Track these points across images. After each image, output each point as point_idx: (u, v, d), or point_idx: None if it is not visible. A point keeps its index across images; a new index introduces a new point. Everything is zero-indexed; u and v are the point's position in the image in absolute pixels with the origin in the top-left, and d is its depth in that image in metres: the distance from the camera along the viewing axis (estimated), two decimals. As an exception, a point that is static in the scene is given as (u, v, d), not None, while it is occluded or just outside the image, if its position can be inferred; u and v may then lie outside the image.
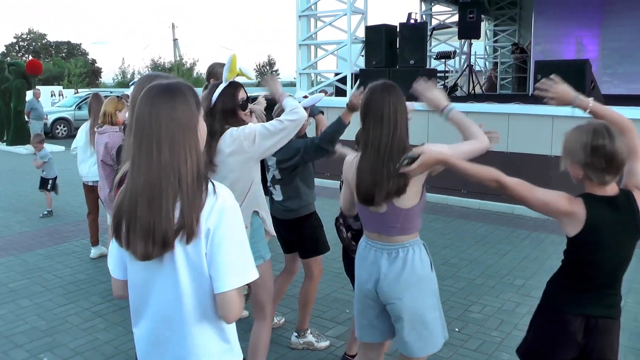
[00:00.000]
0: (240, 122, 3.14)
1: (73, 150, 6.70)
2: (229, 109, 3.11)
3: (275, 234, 3.42)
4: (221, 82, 3.18)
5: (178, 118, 1.70)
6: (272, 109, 3.92)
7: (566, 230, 2.33)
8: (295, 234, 3.98)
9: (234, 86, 3.16)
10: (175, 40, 59.30)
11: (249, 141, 3.00)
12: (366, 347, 2.93)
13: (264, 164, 4.51)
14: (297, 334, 4.16)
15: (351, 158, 2.77)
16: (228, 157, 3.03)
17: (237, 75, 3.19)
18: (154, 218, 1.68)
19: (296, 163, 3.69)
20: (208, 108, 3.04)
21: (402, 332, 2.64)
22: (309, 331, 4.16)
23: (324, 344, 4.14)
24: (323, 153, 3.53)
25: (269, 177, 3.93)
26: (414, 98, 2.88)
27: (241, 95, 3.17)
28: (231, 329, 1.89)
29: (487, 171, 2.37)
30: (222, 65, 4.77)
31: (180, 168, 1.69)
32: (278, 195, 3.91)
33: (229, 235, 1.72)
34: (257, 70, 67.79)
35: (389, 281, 2.61)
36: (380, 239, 2.66)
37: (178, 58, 59.77)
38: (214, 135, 3.01)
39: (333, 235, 3.81)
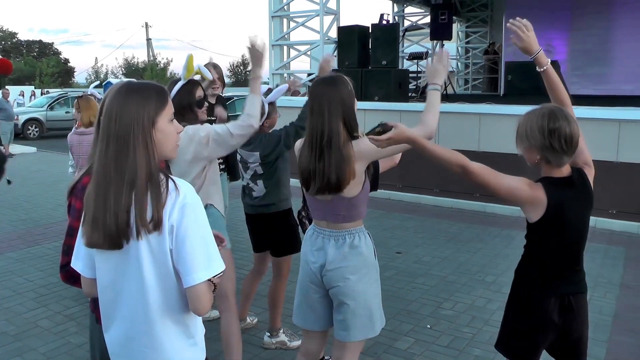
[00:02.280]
0: (197, 119, 3.27)
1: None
2: (185, 104, 3.22)
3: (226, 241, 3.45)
4: (178, 79, 3.30)
5: (129, 114, 1.73)
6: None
7: (528, 215, 2.37)
8: (273, 229, 3.99)
9: (191, 84, 3.28)
10: (148, 40, 58.71)
11: (203, 145, 3.12)
12: (306, 337, 2.98)
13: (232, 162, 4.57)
14: (269, 334, 4.16)
15: (299, 144, 2.84)
16: (184, 154, 3.10)
17: (196, 74, 3.31)
18: (103, 210, 1.72)
19: (280, 151, 3.76)
20: None
21: (345, 314, 2.68)
22: (281, 330, 4.17)
23: (297, 343, 4.15)
24: (303, 132, 3.56)
25: (247, 175, 3.93)
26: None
27: (198, 92, 3.30)
28: (195, 325, 1.92)
29: (453, 155, 2.37)
30: (214, 63, 4.85)
31: (130, 164, 1.72)
32: (259, 191, 3.91)
33: (192, 230, 1.75)
34: (230, 71, 67.42)
35: (335, 264, 2.67)
36: (328, 226, 2.73)
37: (152, 58, 59.22)
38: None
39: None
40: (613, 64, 15.68)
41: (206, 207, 3.22)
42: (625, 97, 12.41)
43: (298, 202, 3.64)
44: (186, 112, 3.20)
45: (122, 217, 1.70)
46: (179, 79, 3.31)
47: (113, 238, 1.72)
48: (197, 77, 3.40)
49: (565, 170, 2.36)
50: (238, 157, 4.00)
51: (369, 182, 2.73)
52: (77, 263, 1.96)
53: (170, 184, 1.77)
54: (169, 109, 1.83)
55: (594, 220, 7.59)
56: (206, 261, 1.77)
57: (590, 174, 2.47)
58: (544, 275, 2.41)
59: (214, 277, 1.80)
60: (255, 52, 3.22)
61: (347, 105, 2.62)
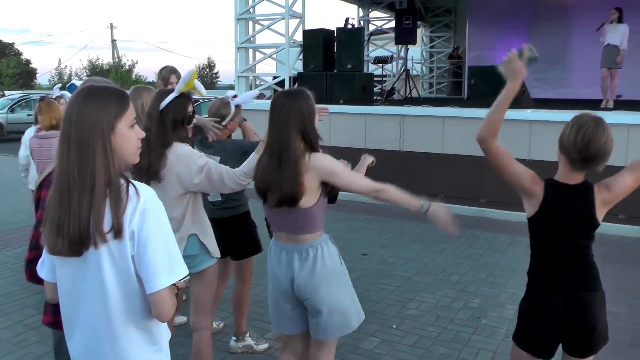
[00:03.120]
0: (186, 136, 3.15)
1: (23, 159, 6.01)
2: (179, 119, 3.09)
3: (219, 255, 3.36)
4: (170, 90, 3.15)
5: (88, 118, 1.71)
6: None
7: (526, 209, 2.52)
8: (232, 233, 3.96)
9: (185, 98, 3.14)
10: (113, 41, 57.71)
11: (196, 172, 3.00)
12: (288, 339, 3.00)
13: None
14: (235, 338, 4.14)
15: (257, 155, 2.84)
16: (177, 175, 3.02)
17: (191, 89, 3.18)
18: (62, 215, 1.70)
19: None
20: (157, 115, 3.03)
21: (320, 320, 2.74)
22: (247, 334, 4.15)
23: (263, 346, 4.14)
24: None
25: None
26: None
27: (190, 108, 3.17)
28: (160, 331, 1.90)
29: (483, 126, 2.55)
30: (172, 68, 4.76)
31: (89, 168, 1.69)
32: (216, 196, 3.89)
33: (153, 236, 1.74)
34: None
35: (303, 279, 2.71)
36: (289, 240, 2.76)
37: (117, 59, 58.25)
38: (165, 145, 3.02)
39: (264, 236, 3.81)
40: (572, 68, 16.08)
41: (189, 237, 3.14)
42: (584, 100, 12.71)
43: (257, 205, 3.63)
44: (178, 127, 3.08)
45: (85, 224, 1.68)
46: (169, 90, 3.16)
47: (76, 245, 1.70)
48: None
49: (574, 179, 2.47)
50: None
51: (326, 196, 2.77)
52: (42, 269, 1.95)
53: (131, 188, 1.74)
54: (130, 113, 1.81)
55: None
56: (169, 267, 1.75)
57: (603, 195, 2.48)
58: (546, 273, 2.53)
59: (180, 280, 1.80)
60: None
61: (306, 119, 2.65)
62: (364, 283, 5.45)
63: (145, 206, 1.74)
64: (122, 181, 1.75)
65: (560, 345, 2.59)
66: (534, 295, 2.58)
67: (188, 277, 1.94)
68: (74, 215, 1.68)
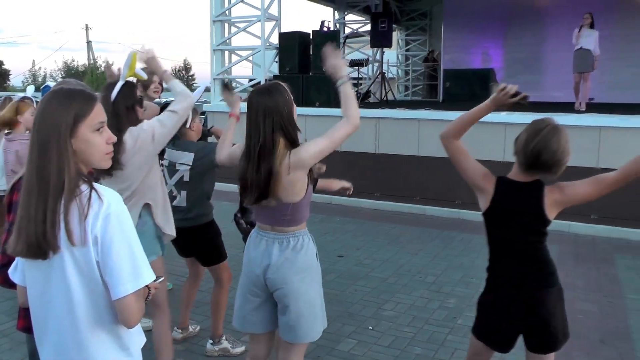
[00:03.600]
0: (138, 119, 3.26)
1: None
2: (129, 106, 3.21)
3: (175, 235, 3.45)
4: (115, 81, 3.25)
5: (48, 121, 1.70)
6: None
7: (480, 205, 2.60)
8: (196, 242, 3.97)
9: (131, 85, 3.27)
10: (89, 42, 56.73)
11: (149, 136, 3.15)
12: (252, 340, 2.98)
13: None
14: (212, 341, 4.11)
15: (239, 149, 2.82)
16: (133, 156, 3.10)
17: (133, 76, 3.27)
18: (22, 217, 1.69)
19: (211, 161, 3.68)
20: (109, 108, 3.03)
21: (289, 317, 2.71)
22: (224, 337, 4.13)
23: (240, 349, 4.13)
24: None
25: (172, 180, 3.88)
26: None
27: (138, 93, 3.33)
28: (129, 336, 1.88)
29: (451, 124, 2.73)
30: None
31: (45, 172, 1.67)
32: (181, 202, 3.87)
33: (117, 241, 1.71)
34: (173, 75, 66.24)
35: (279, 266, 2.69)
36: (273, 230, 2.74)
37: (92, 61, 57.32)
38: (121, 133, 3.08)
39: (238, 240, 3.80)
40: (545, 72, 16.31)
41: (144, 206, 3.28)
42: (557, 103, 12.89)
43: (231, 206, 3.64)
44: (130, 113, 3.19)
45: (40, 228, 1.66)
46: (114, 82, 3.24)
47: (33, 248, 1.67)
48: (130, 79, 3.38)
49: (526, 177, 2.54)
50: (165, 161, 3.92)
51: (312, 185, 2.76)
52: (15, 273, 1.93)
53: (94, 193, 1.71)
54: (95, 116, 1.76)
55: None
56: (133, 272, 1.72)
57: (555, 195, 2.54)
58: (501, 269, 2.60)
59: (154, 282, 1.78)
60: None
61: (283, 114, 2.62)
62: (339, 285, 5.46)
63: (108, 211, 1.70)
64: (85, 186, 1.71)
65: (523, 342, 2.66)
66: (491, 291, 2.65)
67: (162, 279, 1.92)
68: (31, 218, 1.66)
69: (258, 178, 2.59)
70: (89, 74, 51.31)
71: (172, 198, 3.86)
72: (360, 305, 4.99)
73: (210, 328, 4.14)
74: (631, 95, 14.39)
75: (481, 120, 2.66)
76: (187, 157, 3.80)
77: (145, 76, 3.43)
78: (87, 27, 56.45)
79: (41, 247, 1.67)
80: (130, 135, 3.12)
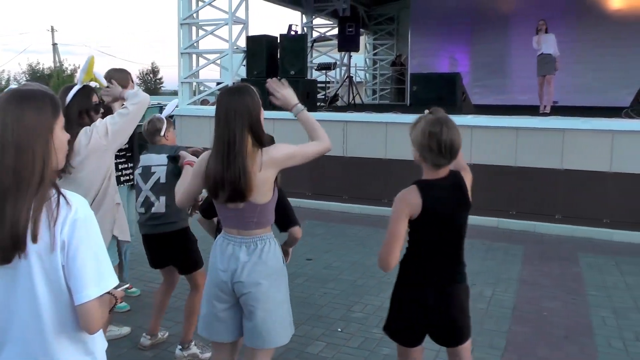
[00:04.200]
0: (89, 122, 3.29)
1: None
2: (83, 110, 3.22)
3: (130, 240, 3.44)
4: (73, 84, 3.27)
5: (24, 122, 1.69)
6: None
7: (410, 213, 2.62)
8: (172, 249, 3.94)
9: (87, 89, 3.27)
10: (54, 44, 55.55)
11: (102, 134, 3.14)
12: (216, 349, 2.96)
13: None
14: (181, 347, 4.07)
15: (206, 155, 2.82)
16: (86, 156, 3.10)
17: (91, 80, 3.25)
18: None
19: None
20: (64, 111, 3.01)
21: (255, 322, 2.69)
22: (193, 343, 4.09)
23: (208, 354, 4.08)
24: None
25: (148, 185, 3.85)
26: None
27: (95, 98, 3.33)
28: (93, 340, 1.87)
29: None
30: (118, 71, 4.68)
31: (22, 173, 1.67)
32: (160, 208, 3.83)
33: (84, 246, 1.71)
34: (140, 78, 65.42)
35: (247, 270, 2.68)
36: (239, 234, 2.74)
37: (58, 64, 56.12)
38: (72, 138, 3.06)
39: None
40: (510, 76, 16.60)
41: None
42: (522, 106, 13.13)
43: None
44: (83, 117, 3.21)
45: (16, 230, 1.64)
46: (72, 85, 3.26)
47: (6, 252, 1.66)
48: (91, 84, 3.39)
49: (442, 173, 2.62)
50: (139, 170, 3.91)
51: (277, 191, 2.79)
52: None
53: (62, 198, 1.72)
54: (62, 116, 1.80)
55: (496, 221, 8.00)
56: (97, 278, 1.73)
57: (467, 177, 2.74)
58: (422, 266, 2.65)
59: (120, 289, 1.79)
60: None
61: (252, 114, 2.65)
62: (309, 288, 5.47)
63: (76, 216, 1.71)
64: (53, 191, 1.72)
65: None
66: (406, 287, 2.70)
67: (128, 285, 1.92)
68: (5, 220, 1.65)
69: (230, 176, 2.59)
70: (55, 77, 50.33)
71: (149, 204, 3.84)
72: (329, 308, 5.01)
73: (181, 333, 4.11)
74: (594, 98, 14.76)
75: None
76: (162, 158, 3.79)
77: (104, 82, 3.44)
78: (52, 29, 55.37)
79: (14, 250, 1.65)
80: (85, 134, 3.13)
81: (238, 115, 2.62)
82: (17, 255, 1.67)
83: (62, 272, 1.71)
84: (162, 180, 3.81)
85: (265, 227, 2.76)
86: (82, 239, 1.71)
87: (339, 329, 4.56)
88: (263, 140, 2.69)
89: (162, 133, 3.93)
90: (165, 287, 4.26)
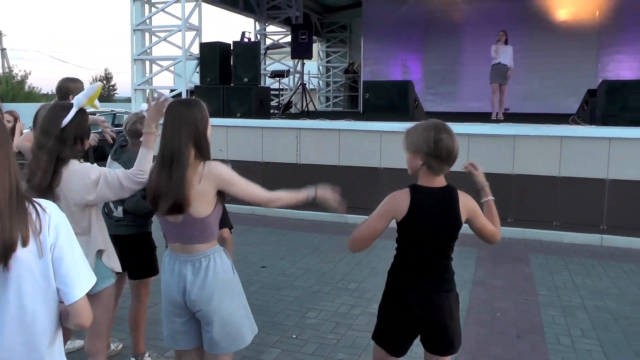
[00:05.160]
0: (81, 150, 3.04)
1: None
2: (79, 135, 2.96)
3: (121, 270, 3.24)
4: (69, 104, 3.00)
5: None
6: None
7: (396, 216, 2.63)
8: (134, 251, 3.81)
9: (84, 113, 3.03)
10: (3, 49, 53.85)
11: (92, 186, 2.88)
12: (183, 356, 2.94)
13: None
14: (134, 359, 3.99)
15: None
16: (71, 193, 2.87)
17: (90, 105, 3.10)
18: None
19: None
20: (57, 131, 2.86)
21: (213, 332, 2.73)
22: (146, 354, 4.00)
23: (163, 364, 4.03)
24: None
25: None
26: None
27: (87, 123, 3.10)
28: (62, 344, 1.92)
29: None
30: (73, 80, 4.50)
31: (12, 184, 1.71)
32: (118, 214, 3.75)
33: (67, 248, 1.80)
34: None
35: (195, 290, 2.70)
36: (184, 250, 2.74)
37: (7, 69, 54.32)
38: (62, 162, 2.86)
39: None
40: (462, 83, 16.91)
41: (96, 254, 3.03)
42: (474, 113, 13.36)
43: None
44: (77, 143, 2.95)
45: (6, 238, 1.67)
46: (68, 104, 2.99)
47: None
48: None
49: (438, 182, 2.63)
50: None
51: (221, 206, 2.79)
52: None
53: (37, 206, 1.76)
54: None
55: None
56: (84, 275, 1.84)
57: (467, 201, 2.68)
58: (407, 272, 2.65)
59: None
60: (157, 107, 2.95)
61: (199, 127, 2.69)
62: (263, 295, 5.42)
63: (56, 221, 1.79)
64: (26, 202, 1.76)
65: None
66: (393, 294, 2.71)
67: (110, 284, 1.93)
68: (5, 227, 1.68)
69: (171, 185, 2.61)
70: (4, 82, 48.82)
71: (110, 210, 3.75)
72: (284, 315, 4.96)
73: (132, 346, 4.01)
74: (543, 105, 15.18)
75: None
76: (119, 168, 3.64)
77: (98, 105, 3.32)
78: (0, 34, 53.72)
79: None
80: (77, 174, 2.88)
81: (185, 126, 2.65)
82: (4, 265, 1.68)
83: (52, 276, 1.78)
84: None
85: (209, 242, 2.75)
86: (65, 241, 1.80)
87: (294, 336, 4.52)
88: (206, 154, 2.72)
89: (142, 138, 3.67)
90: (135, 303, 4.04)
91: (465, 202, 2.65)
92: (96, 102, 3.21)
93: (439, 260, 2.68)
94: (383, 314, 2.75)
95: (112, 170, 2.98)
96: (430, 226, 2.59)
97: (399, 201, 2.59)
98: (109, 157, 3.94)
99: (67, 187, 2.87)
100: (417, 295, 2.61)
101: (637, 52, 15.03)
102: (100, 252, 3.03)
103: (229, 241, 3.80)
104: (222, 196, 2.74)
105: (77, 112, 2.95)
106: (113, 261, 3.13)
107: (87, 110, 3.12)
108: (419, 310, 2.60)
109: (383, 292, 2.78)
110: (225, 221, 3.68)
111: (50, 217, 1.78)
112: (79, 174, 2.89)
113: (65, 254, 1.79)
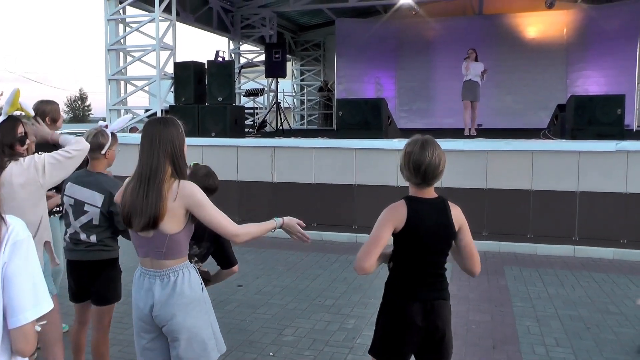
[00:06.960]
0: (21, 154, 3.19)
1: None
2: (7, 143, 3.10)
3: (59, 262, 3.32)
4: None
5: None
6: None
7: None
8: (99, 276, 3.68)
9: (13, 120, 3.16)
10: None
11: (39, 171, 3.07)
12: None
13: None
14: None
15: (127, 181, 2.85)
16: (18, 188, 3.03)
17: (17, 110, 3.16)
18: None
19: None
20: None
21: (179, 349, 2.75)
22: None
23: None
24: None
25: (78, 222, 3.61)
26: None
27: (20, 129, 3.20)
28: None
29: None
30: (48, 102, 4.52)
31: None
32: (92, 239, 3.62)
33: (22, 268, 1.71)
34: (67, 105, 63.53)
35: (162, 304, 2.73)
36: (152, 265, 2.76)
37: (-23, 89, 53.53)
38: (0, 170, 3.00)
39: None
40: (435, 100, 17.16)
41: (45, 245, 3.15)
42: (447, 129, 13.52)
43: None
44: (7, 149, 3.10)
45: None
46: None
47: None
48: (17, 113, 3.26)
49: (427, 193, 2.70)
50: (70, 199, 3.62)
51: (192, 225, 2.79)
52: None
53: (1, 222, 1.71)
54: None
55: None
56: (34, 300, 1.72)
57: (457, 213, 2.75)
58: (407, 283, 2.68)
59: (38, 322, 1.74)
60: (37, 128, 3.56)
61: (175, 144, 2.73)
62: (240, 314, 5.39)
63: (16, 238, 1.72)
64: None
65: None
66: (393, 305, 2.72)
67: (44, 323, 1.87)
68: None
69: (147, 203, 2.64)
70: (-28, 104, 48.12)
71: (78, 240, 3.63)
72: (260, 333, 4.94)
73: None
74: (515, 120, 15.46)
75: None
76: (98, 198, 3.55)
77: (31, 112, 3.36)
78: (-32, 57, 52.96)
79: None
80: (20, 166, 3.05)
81: (161, 144, 2.69)
82: None
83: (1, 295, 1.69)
84: (95, 222, 3.58)
85: (178, 258, 2.77)
86: (21, 261, 1.71)
87: (271, 353, 4.50)
88: (182, 172, 2.75)
89: (103, 151, 3.61)
90: (78, 326, 3.91)
91: (456, 214, 2.72)
92: (27, 108, 3.28)
93: (437, 270, 2.73)
94: (383, 327, 2.75)
95: (48, 154, 3.24)
96: (428, 235, 2.64)
97: (398, 211, 2.64)
98: (69, 183, 3.72)
99: (11, 184, 3.07)
100: (420, 305, 2.64)
101: (602, 68, 15.42)
102: (47, 244, 3.28)
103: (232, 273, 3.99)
104: (193, 216, 2.75)
105: (4, 121, 3.13)
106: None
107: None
108: (423, 321, 2.63)
109: (381, 306, 2.79)
110: (232, 259, 3.98)
111: (11, 234, 1.71)
112: (21, 165, 3.11)
113: (18, 274, 1.70)
